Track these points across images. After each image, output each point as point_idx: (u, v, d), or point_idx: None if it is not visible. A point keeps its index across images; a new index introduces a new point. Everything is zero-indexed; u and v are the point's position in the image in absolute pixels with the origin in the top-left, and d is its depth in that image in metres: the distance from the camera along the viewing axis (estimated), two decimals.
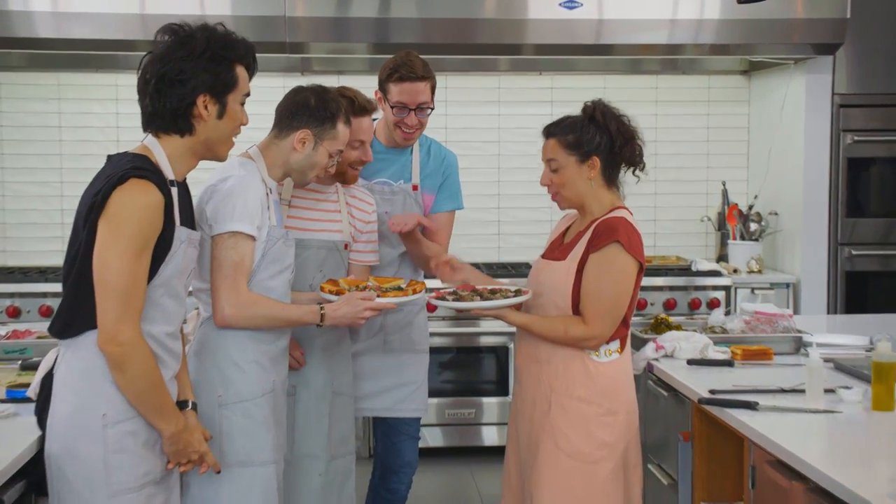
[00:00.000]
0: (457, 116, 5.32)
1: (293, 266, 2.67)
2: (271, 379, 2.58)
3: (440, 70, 5.27)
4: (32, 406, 2.29)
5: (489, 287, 2.77)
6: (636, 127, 2.71)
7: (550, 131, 2.73)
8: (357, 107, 2.86)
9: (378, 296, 2.67)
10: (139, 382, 2.12)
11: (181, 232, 2.19)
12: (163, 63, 2.19)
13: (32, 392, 2.31)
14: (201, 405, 2.45)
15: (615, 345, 2.67)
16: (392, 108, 3.11)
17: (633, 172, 2.74)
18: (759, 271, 4.99)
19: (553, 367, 2.67)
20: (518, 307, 2.71)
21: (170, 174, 2.19)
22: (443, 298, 2.72)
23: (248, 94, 2.31)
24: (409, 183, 3.22)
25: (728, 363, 3.01)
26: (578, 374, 2.64)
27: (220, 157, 2.32)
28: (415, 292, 2.74)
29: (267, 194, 2.57)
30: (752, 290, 4.85)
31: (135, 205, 2.07)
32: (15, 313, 4.51)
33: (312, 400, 2.86)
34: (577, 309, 2.64)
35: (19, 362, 2.95)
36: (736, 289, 4.84)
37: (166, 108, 2.19)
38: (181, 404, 2.31)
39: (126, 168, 2.10)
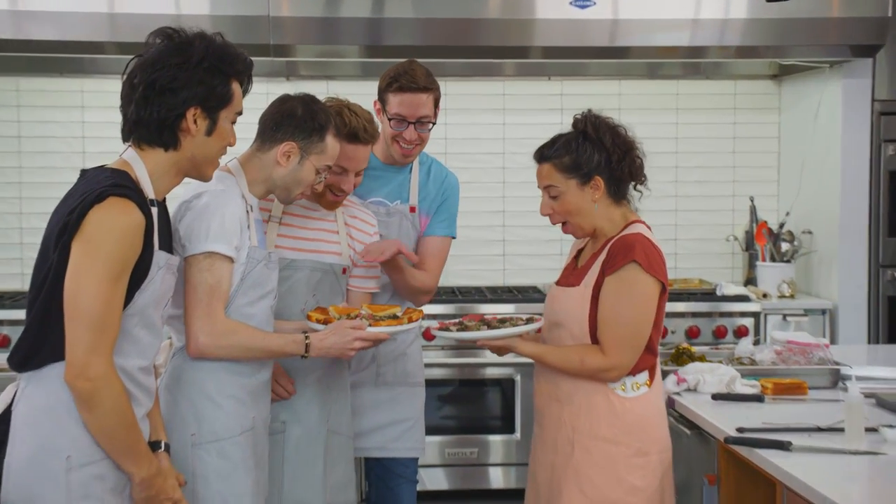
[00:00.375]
0: (457, 126, 5.33)
1: (276, 291, 2.67)
2: (251, 415, 2.58)
3: (439, 75, 5.23)
4: None
5: (498, 316, 2.78)
6: (633, 137, 2.73)
7: (543, 155, 2.74)
8: (347, 131, 2.84)
9: (370, 325, 2.66)
10: (109, 421, 2.12)
11: (160, 256, 2.20)
12: (154, 68, 2.21)
13: None
14: (173, 445, 2.44)
15: (643, 377, 2.67)
16: (390, 120, 3.12)
17: (635, 187, 2.74)
18: (792, 296, 4.99)
19: (575, 406, 2.67)
20: (533, 337, 2.72)
21: (150, 192, 2.20)
22: (446, 329, 2.72)
23: (240, 113, 2.34)
24: (407, 204, 3.22)
25: (757, 398, 3.01)
26: (603, 411, 2.64)
27: (205, 177, 2.34)
28: (410, 321, 2.74)
29: (247, 212, 2.58)
30: (784, 316, 4.84)
31: (113, 225, 2.08)
32: None
33: (304, 439, 2.85)
34: (595, 338, 2.64)
35: None
36: (766, 315, 4.84)
37: (153, 117, 2.20)
38: (153, 445, 2.30)
39: (105, 185, 2.11)
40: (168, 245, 2.30)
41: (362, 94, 3.26)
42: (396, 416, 3.21)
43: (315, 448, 2.86)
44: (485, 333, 2.66)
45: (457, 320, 2.80)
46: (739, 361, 3.39)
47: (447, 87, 5.27)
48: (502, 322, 2.73)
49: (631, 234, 2.66)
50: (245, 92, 2.35)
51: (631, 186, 2.74)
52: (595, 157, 2.67)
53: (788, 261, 5.10)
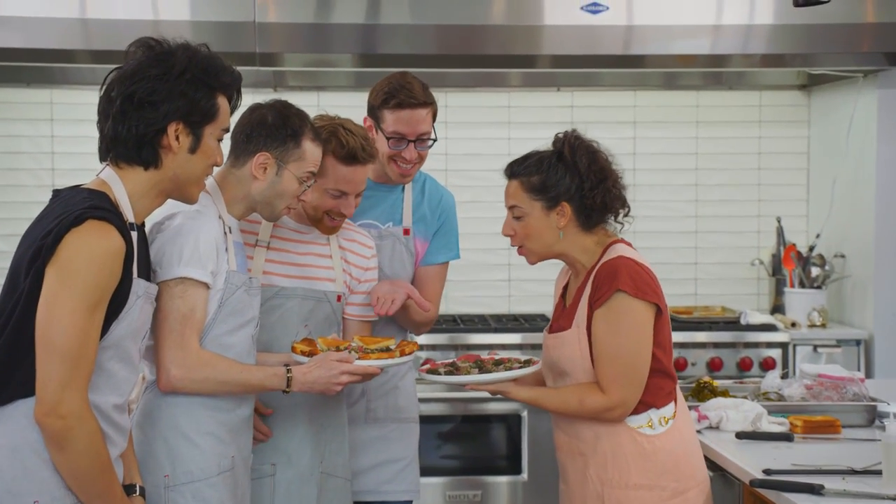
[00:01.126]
0: (459, 141, 5.34)
1: (257, 320, 2.66)
2: (230, 454, 2.57)
3: (439, 86, 5.30)
4: None
5: (495, 356, 2.78)
6: (615, 167, 2.73)
7: (513, 171, 2.76)
8: (345, 153, 2.85)
9: (359, 357, 2.66)
10: (82, 463, 2.11)
11: (139, 285, 2.20)
12: (132, 80, 2.22)
13: None
14: (146, 487, 2.43)
15: (669, 409, 2.67)
16: (388, 139, 3.12)
17: (616, 219, 2.75)
18: (823, 325, 4.99)
19: (600, 457, 2.66)
20: (532, 379, 2.71)
21: (130, 215, 2.21)
22: (435, 372, 2.72)
23: (227, 130, 2.35)
24: (400, 226, 3.23)
25: (786, 437, 3.00)
26: (632, 456, 2.64)
27: (190, 199, 2.35)
28: (403, 354, 2.74)
29: (225, 234, 2.58)
30: (815, 347, 4.83)
31: (92, 251, 2.08)
32: None
33: (296, 482, 2.85)
34: None
35: None
36: (794, 346, 4.83)
37: (131, 133, 2.21)
38: (127, 489, 2.30)
39: (83, 206, 2.11)
40: (146, 272, 2.30)
41: (355, 105, 3.27)
42: (389, 455, 3.20)
43: (308, 491, 2.86)
44: (475, 378, 2.67)
45: (448, 361, 2.79)
46: (766, 397, 3.38)
47: (448, 98, 5.30)
48: (497, 364, 2.73)
49: (612, 259, 2.66)
50: (234, 108, 2.36)
51: (612, 217, 2.74)
52: (566, 181, 2.69)
53: (819, 287, 5.10)
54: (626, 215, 2.76)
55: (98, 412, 2.16)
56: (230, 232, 2.61)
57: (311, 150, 2.69)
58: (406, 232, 3.23)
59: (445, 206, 3.32)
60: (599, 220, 2.73)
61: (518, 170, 2.75)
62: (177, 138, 2.24)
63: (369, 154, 2.90)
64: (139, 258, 2.24)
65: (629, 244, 2.73)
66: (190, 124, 2.25)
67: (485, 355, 2.93)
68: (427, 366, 2.82)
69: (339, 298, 2.96)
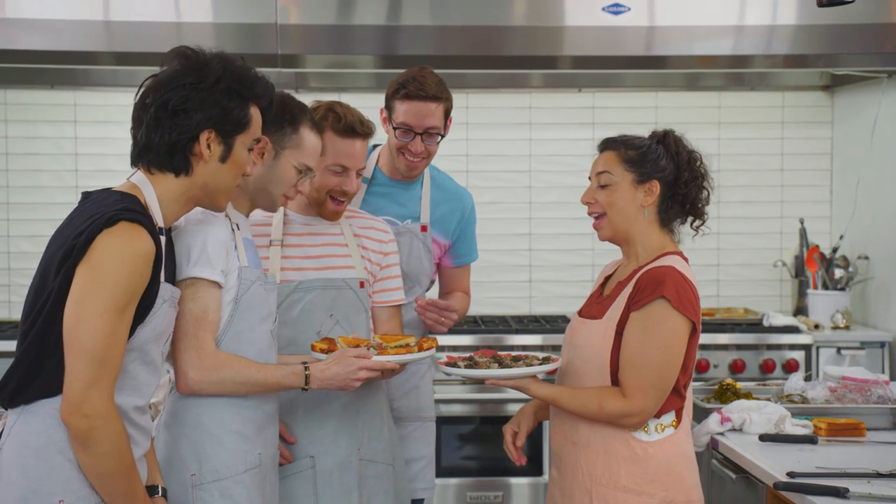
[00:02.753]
0: (480, 142, 5.34)
1: (276, 315, 2.67)
2: (256, 451, 2.57)
3: (460, 87, 5.34)
4: None
5: (513, 353, 2.76)
6: (707, 171, 2.72)
7: (608, 144, 2.73)
8: (343, 125, 2.86)
9: (378, 354, 2.67)
10: (107, 463, 2.12)
11: (165, 289, 2.22)
12: (167, 88, 2.24)
13: None
14: (172, 487, 2.45)
15: (668, 417, 2.64)
16: (395, 129, 3.14)
17: (692, 224, 2.73)
18: (847, 327, 4.96)
19: (592, 451, 2.65)
20: (551, 378, 2.70)
21: (159, 220, 2.23)
22: (454, 365, 2.72)
23: (258, 141, 2.36)
24: (418, 222, 3.24)
25: (810, 440, 2.99)
26: (622, 458, 2.61)
27: (218, 207, 2.37)
28: (421, 349, 2.74)
29: (233, 230, 2.59)
30: (839, 349, 4.81)
31: (123, 252, 2.09)
32: None
33: (336, 471, 2.86)
34: (615, 378, 2.62)
35: None
36: (818, 348, 4.81)
37: (163, 140, 2.23)
38: (149, 490, 2.31)
39: (116, 208, 2.13)
40: (172, 277, 2.31)
41: (376, 107, 3.28)
42: (410, 454, 3.24)
43: (348, 479, 2.87)
44: (494, 372, 2.65)
45: (467, 355, 2.79)
46: (789, 399, 3.37)
47: (469, 99, 5.31)
48: (516, 360, 2.72)
49: (662, 266, 2.62)
50: (266, 119, 2.38)
51: (690, 223, 2.73)
52: (663, 162, 2.67)
53: (843, 288, 5.07)
54: (699, 224, 2.74)
55: (121, 413, 2.17)
56: (238, 228, 2.62)
57: (308, 139, 2.68)
58: (424, 228, 3.24)
59: (465, 210, 3.36)
60: (676, 217, 2.72)
61: (615, 143, 2.71)
62: (208, 146, 2.25)
63: (367, 128, 2.90)
64: (167, 263, 2.26)
65: (686, 259, 2.70)
66: (222, 133, 2.26)
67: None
68: (445, 359, 2.81)
69: (361, 285, 2.96)
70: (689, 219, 2.75)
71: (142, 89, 2.28)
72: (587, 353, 2.66)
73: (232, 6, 4.45)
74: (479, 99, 5.32)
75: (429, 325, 3.17)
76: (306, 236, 2.94)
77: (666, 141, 2.70)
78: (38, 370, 2.12)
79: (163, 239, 2.22)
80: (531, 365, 2.67)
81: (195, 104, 2.23)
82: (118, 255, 2.09)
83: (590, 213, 2.74)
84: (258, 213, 2.83)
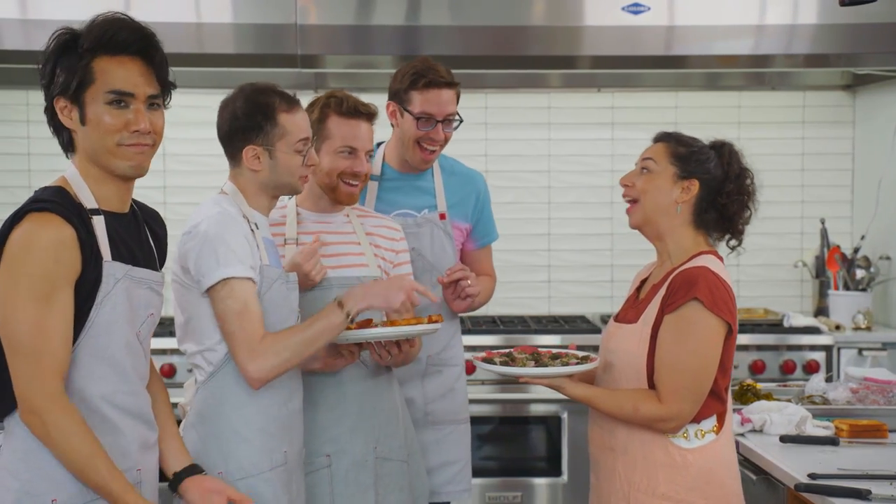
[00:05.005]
0: (499, 141, 5.33)
1: (298, 313, 2.69)
2: (282, 449, 2.60)
3: (479, 87, 5.34)
4: None
5: (552, 351, 2.74)
6: (755, 191, 2.71)
7: (662, 136, 2.74)
8: (346, 107, 2.88)
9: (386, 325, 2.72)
10: (67, 451, 2.10)
11: (113, 268, 2.17)
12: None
13: None
14: None
15: (709, 423, 2.62)
16: (417, 119, 3.15)
17: (728, 242, 2.71)
18: (868, 328, 4.93)
19: (630, 457, 2.63)
20: (586, 377, 2.68)
21: (91, 203, 2.19)
22: (490, 361, 2.70)
23: (112, 92, 2.20)
24: (435, 211, 3.25)
25: (831, 441, 2.97)
26: (661, 464, 2.59)
27: (109, 168, 2.23)
28: (430, 322, 2.74)
29: (252, 230, 2.59)
30: (860, 350, 4.78)
31: (31, 242, 2.08)
32: None
33: (352, 470, 2.87)
34: (652, 382, 2.60)
35: None
36: (839, 349, 4.78)
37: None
38: (190, 469, 2.35)
39: (24, 204, 2.12)
40: (141, 258, 2.27)
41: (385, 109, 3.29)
42: (446, 457, 3.27)
43: (364, 478, 2.88)
44: (531, 370, 2.63)
45: (505, 351, 2.77)
46: (810, 400, 3.35)
47: (488, 99, 5.31)
48: (554, 358, 2.69)
49: (695, 267, 2.60)
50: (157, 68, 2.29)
51: (726, 240, 2.71)
52: (710, 166, 2.67)
53: (864, 289, 5.04)
54: (735, 244, 2.73)
55: (104, 402, 2.16)
56: (257, 228, 2.62)
57: (289, 121, 2.65)
58: (442, 216, 3.26)
59: (479, 190, 3.38)
60: (710, 225, 2.70)
61: (669, 137, 2.72)
62: (66, 114, 2.23)
63: (369, 109, 2.93)
64: (124, 243, 2.22)
65: (721, 258, 2.68)
66: (73, 99, 2.22)
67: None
68: (483, 354, 2.80)
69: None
70: (727, 237, 2.72)
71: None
72: (623, 358, 2.64)
73: (252, 7, 4.46)
74: (498, 99, 5.31)
75: (449, 302, 3.19)
76: (320, 234, 2.95)
77: (721, 150, 2.69)
78: (6, 378, 2.11)
79: (99, 219, 2.17)
80: (569, 364, 2.65)
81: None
82: (25, 245, 2.07)
83: (624, 196, 2.72)
84: (272, 213, 2.84)
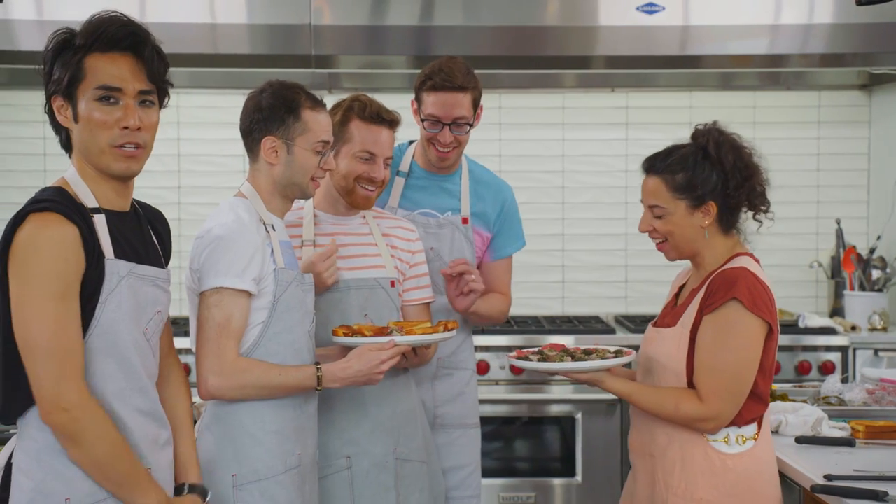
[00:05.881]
0: (513, 142, 5.33)
1: (313, 315, 2.69)
2: (296, 452, 2.60)
3: (493, 87, 5.32)
4: None
5: (582, 347, 2.74)
6: (759, 161, 2.65)
7: (654, 166, 2.66)
8: (369, 113, 2.88)
9: (401, 335, 2.69)
10: (99, 451, 2.11)
11: (116, 266, 2.17)
12: None
13: None
14: (214, 488, 2.46)
15: (750, 429, 2.61)
16: (423, 121, 3.16)
17: (755, 216, 2.68)
18: (884, 329, 4.91)
19: (669, 461, 2.62)
20: (624, 373, 2.69)
21: (92, 202, 2.18)
22: (525, 358, 2.70)
23: (102, 87, 2.19)
24: (458, 214, 3.24)
25: (847, 442, 2.96)
26: (700, 469, 2.58)
27: (99, 165, 2.22)
28: (446, 329, 2.74)
29: (267, 232, 2.59)
30: (876, 351, 4.76)
31: (38, 242, 2.07)
32: None
33: (372, 471, 2.87)
34: (692, 384, 2.59)
35: None
36: (855, 350, 4.76)
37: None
38: (177, 489, 2.31)
39: (25, 205, 2.13)
40: (145, 256, 2.26)
41: (410, 107, 3.28)
42: (455, 461, 3.25)
43: (385, 479, 2.88)
44: (570, 365, 2.63)
45: (535, 349, 2.77)
46: (826, 401, 3.34)
47: (501, 100, 5.30)
48: (587, 353, 2.68)
49: (733, 268, 2.59)
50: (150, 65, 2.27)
51: (752, 215, 2.68)
52: (712, 179, 2.61)
53: (880, 290, 5.02)
54: (766, 212, 2.68)
55: (111, 398, 2.16)
56: (273, 230, 2.62)
57: (313, 118, 2.66)
58: (465, 221, 3.24)
59: (506, 201, 3.34)
60: (737, 220, 2.67)
61: (661, 166, 2.64)
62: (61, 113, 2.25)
63: (392, 116, 2.93)
64: (126, 241, 2.21)
65: (757, 260, 2.66)
66: (66, 96, 2.23)
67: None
68: (515, 353, 2.80)
69: (392, 284, 2.97)
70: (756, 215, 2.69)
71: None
72: (663, 361, 2.63)
73: (266, 7, 4.47)
74: (512, 99, 5.31)
75: (450, 296, 3.13)
76: (337, 236, 2.95)
77: (708, 149, 2.62)
78: (18, 380, 2.11)
79: (100, 217, 2.17)
80: (604, 358, 2.63)
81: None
82: (33, 246, 2.07)
83: (652, 239, 2.69)
84: (289, 215, 2.84)
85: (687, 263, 2.76)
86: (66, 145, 2.26)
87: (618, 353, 2.67)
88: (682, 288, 2.77)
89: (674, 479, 2.60)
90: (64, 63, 2.20)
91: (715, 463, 2.57)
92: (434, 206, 3.23)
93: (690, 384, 2.58)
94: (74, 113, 2.19)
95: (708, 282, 2.60)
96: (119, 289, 2.17)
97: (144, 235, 2.31)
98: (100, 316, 2.15)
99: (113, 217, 2.21)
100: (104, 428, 2.11)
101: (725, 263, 2.62)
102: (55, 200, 2.13)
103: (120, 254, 2.19)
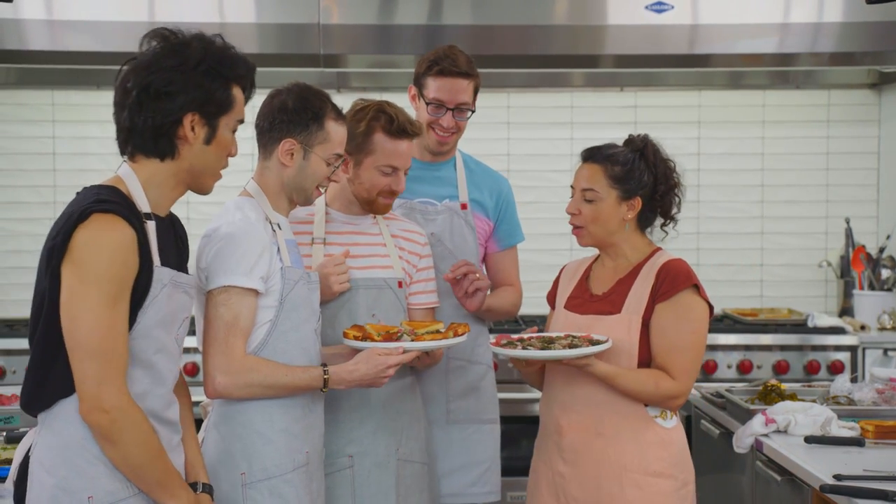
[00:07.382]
0: (521, 141, 5.33)
1: (319, 314, 2.69)
2: (304, 450, 2.61)
3: (502, 86, 5.34)
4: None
5: (553, 334, 2.81)
6: (680, 178, 2.88)
7: (594, 155, 2.86)
8: (395, 127, 2.89)
9: (411, 339, 2.69)
10: (136, 453, 2.13)
11: (162, 273, 2.20)
12: (149, 72, 2.22)
13: (10, 480, 2.29)
14: (223, 487, 2.48)
15: None
16: (427, 104, 3.18)
17: (662, 226, 2.89)
18: (894, 328, 4.90)
19: (622, 440, 2.75)
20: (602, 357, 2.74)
21: (145, 206, 2.21)
22: (511, 345, 2.71)
23: (241, 121, 2.34)
24: (457, 201, 3.26)
25: (857, 442, 2.95)
26: (652, 445, 2.76)
27: (205, 190, 2.33)
28: (456, 335, 2.74)
29: (274, 231, 2.60)
30: (885, 351, 4.75)
31: (101, 244, 2.09)
32: None
33: (375, 471, 2.88)
34: (643, 367, 2.74)
35: (3, 434, 2.99)
36: (864, 350, 4.75)
37: (147, 124, 2.21)
38: (191, 487, 2.31)
39: (88, 202, 2.13)
40: (176, 262, 2.29)
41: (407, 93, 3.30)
42: (470, 457, 3.24)
43: (386, 479, 2.89)
44: (565, 353, 2.66)
45: (515, 337, 2.77)
46: (835, 401, 3.33)
47: (510, 98, 5.30)
48: (552, 341, 2.74)
49: (673, 259, 2.81)
50: (248, 98, 2.35)
51: (660, 225, 2.90)
52: (645, 178, 2.82)
53: (889, 289, 5.01)
54: (673, 225, 2.90)
55: (137, 402, 2.16)
56: (279, 229, 2.63)
57: (335, 130, 2.69)
58: (463, 206, 3.25)
59: (503, 193, 3.36)
60: (651, 222, 2.89)
61: (601, 156, 2.85)
62: (192, 129, 2.23)
63: (416, 128, 2.95)
64: (165, 248, 2.24)
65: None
66: (206, 115, 2.24)
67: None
68: (494, 340, 2.81)
69: (399, 285, 2.98)
70: (662, 222, 2.91)
71: (122, 73, 2.26)
72: (614, 346, 2.74)
73: (275, 7, 4.48)
74: (521, 98, 5.31)
75: (459, 298, 3.14)
76: (348, 235, 2.96)
77: (645, 152, 2.83)
78: (48, 372, 2.13)
79: (152, 224, 2.20)
80: (573, 344, 2.70)
81: (178, 87, 2.20)
82: (96, 247, 2.08)
83: (572, 224, 2.85)
84: (301, 211, 2.85)
85: (576, 255, 2.95)
86: (150, 148, 2.25)
87: (596, 342, 2.70)
88: (587, 277, 2.91)
89: (627, 457, 2.74)
90: (214, 88, 2.25)
91: (662, 437, 2.76)
92: (430, 195, 3.25)
93: (640, 365, 2.74)
94: (210, 135, 2.25)
95: (656, 273, 2.77)
96: (160, 296, 2.20)
97: (176, 241, 2.34)
98: (141, 321, 2.17)
99: (158, 223, 2.24)
100: (141, 431, 2.14)
101: (651, 257, 2.83)
102: (118, 203, 2.15)
103: (164, 261, 2.23)
